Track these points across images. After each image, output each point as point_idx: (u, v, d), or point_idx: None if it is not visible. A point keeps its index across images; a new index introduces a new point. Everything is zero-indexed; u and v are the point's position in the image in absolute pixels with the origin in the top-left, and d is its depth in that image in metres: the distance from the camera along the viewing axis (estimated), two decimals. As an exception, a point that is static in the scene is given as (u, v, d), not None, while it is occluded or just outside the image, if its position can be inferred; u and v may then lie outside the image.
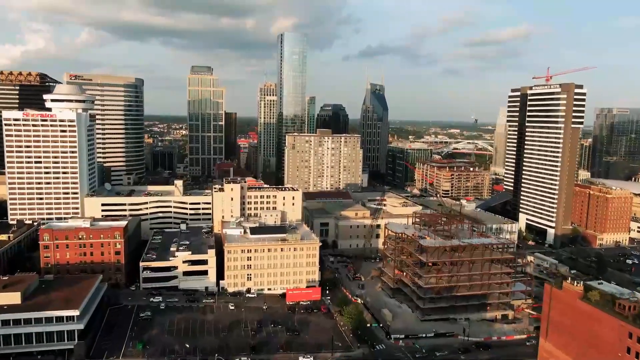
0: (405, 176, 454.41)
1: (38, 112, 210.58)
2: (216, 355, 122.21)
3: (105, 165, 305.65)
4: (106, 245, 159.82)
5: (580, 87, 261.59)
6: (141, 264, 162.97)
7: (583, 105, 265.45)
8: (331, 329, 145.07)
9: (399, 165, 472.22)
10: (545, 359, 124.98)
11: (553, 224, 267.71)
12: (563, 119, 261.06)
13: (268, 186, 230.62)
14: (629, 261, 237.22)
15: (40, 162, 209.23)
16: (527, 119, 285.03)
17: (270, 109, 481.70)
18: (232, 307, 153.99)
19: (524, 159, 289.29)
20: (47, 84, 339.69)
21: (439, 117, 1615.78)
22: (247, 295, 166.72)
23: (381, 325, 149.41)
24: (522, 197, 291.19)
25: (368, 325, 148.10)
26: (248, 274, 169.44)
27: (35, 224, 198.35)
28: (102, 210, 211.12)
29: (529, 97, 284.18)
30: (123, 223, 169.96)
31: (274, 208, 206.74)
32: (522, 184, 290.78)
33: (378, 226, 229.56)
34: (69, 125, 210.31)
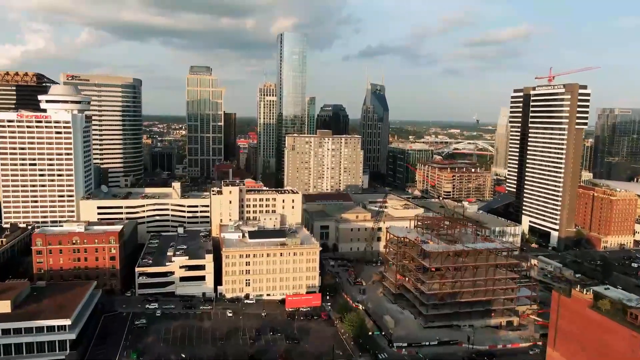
0: (406, 177, 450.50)
1: (32, 113, 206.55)
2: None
3: (102, 166, 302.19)
4: (101, 251, 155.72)
5: (585, 87, 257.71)
6: (137, 269, 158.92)
7: (587, 106, 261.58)
8: (332, 337, 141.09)
9: (399, 166, 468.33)
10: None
11: (557, 227, 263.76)
12: (567, 120, 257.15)
13: (267, 189, 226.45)
14: (635, 264, 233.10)
15: (35, 164, 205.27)
16: (530, 119, 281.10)
17: (270, 110, 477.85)
18: (230, 314, 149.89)
19: (527, 160, 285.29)
20: (44, 84, 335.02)
21: (439, 117, 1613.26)
22: (245, 301, 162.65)
23: (383, 333, 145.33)
24: (525, 199, 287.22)
25: (370, 333, 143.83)
26: (246, 280, 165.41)
27: (29, 227, 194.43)
28: (98, 214, 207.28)
29: (532, 98, 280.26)
30: (118, 227, 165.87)
31: (274, 211, 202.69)
32: (525, 186, 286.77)
33: (379, 229, 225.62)
34: (64, 127, 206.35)
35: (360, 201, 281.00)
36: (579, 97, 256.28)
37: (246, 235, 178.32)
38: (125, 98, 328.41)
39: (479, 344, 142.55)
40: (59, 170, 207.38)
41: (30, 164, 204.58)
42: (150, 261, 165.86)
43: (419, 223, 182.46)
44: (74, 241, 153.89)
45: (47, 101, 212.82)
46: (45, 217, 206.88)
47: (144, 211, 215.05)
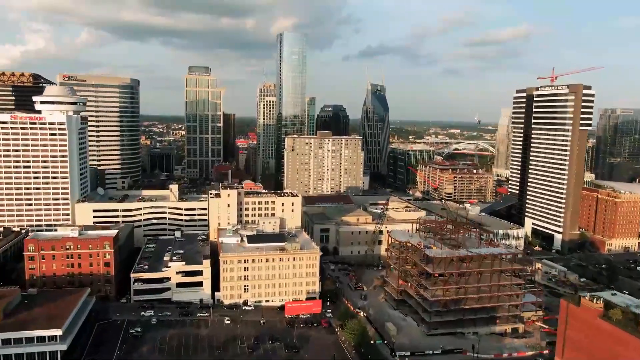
0: (407, 178, 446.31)
1: (27, 115, 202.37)
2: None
3: (99, 168, 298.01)
4: (95, 256, 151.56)
5: (589, 87, 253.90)
6: (132, 275, 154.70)
7: (591, 107, 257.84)
8: (333, 345, 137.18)
9: (400, 167, 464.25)
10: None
11: (560, 229, 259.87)
12: (571, 121, 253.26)
13: (266, 191, 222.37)
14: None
15: (29, 167, 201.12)
16: (534, 120, 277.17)
17: (270, 110, 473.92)
18: (228, 322, 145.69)
19: (530, 162, 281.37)
20: (40, 84, 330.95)
21: (439, 117, 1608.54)
22: (243, 307, 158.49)
23: (385, 341, 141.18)
24: (528, 200, 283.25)
25: (372, 341, 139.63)
26: (245, 285, 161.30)
27: (23, 231, 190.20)
28: (94, 217, 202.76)
29: (535, 99, 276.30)
30: (113, 232, 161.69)
31: (273, 214, 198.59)
32: (528, 188, 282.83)
33: (380, 232, 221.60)
34: (59, 128, 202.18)
35: (360, 203, 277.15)
36: (583, 98, 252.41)
37: (244, 239, 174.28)
38: (122, 99, 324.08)
39: (484, 353, 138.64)
40: (54, 172, 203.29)
41: (24, 167, 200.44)
42: (146, 266, 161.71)
43: (422, 227, 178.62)
44: (67, 246, 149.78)
45: (41, 102, 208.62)
46: (39, 220, 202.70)
47: (140, 214, 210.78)
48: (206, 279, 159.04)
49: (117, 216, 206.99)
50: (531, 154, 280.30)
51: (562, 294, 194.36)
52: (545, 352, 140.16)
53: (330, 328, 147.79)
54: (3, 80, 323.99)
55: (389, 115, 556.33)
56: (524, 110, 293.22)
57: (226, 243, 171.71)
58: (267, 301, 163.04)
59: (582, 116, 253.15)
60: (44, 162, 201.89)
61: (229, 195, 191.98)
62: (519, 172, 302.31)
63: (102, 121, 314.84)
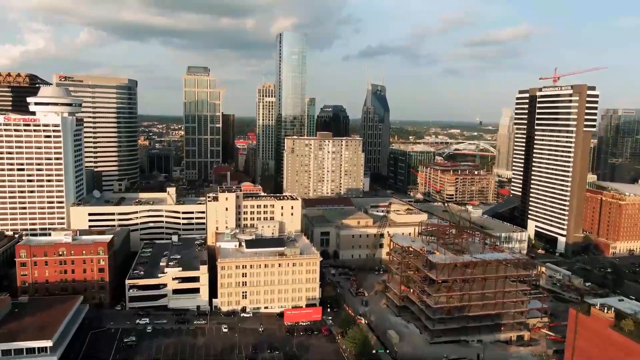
0: (408, 179, 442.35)
1: (20, 116, 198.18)
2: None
3: (96, 170, 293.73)
4: (89, 262, 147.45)
5: (593, 88, 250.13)
6: (127, 281, 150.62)
7: (595, 108, 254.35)
8: (333, 354, 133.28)
9: (400, 167, 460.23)
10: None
11: (564, 232, 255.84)
12: (575, 122, 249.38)
13: (265, 194, 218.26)
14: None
15: (23, 170, 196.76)
16: (537, 121, 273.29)
17: (269, 111, 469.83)
18: (226, 329, 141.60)
19: (533, 163, 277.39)
20: (37, 85, 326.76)
21: (439, 117, 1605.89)
22: (242, 314, 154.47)
23: (387, 350, 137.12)
24: (530, 203, 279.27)
25: (373, 350, 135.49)
26: (243, 292, 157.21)
27: (16, 236, 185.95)
28: (89, 220, 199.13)
29: (538, 99, 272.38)
30: (108, 237, 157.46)
31: (272, 218, 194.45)
32: (531, 190, 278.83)
33: (382, 235, 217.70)
34: (54, 130, 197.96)
35: (361, 205, 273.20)
36: (587, 99, 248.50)
37: (243, 244, 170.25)
38: (120, 99, 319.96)
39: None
40: (49, 175, 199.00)
41: (18, 169, 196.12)
42: (142, 272, 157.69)
43: (424, 230, 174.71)
44: (60, 252, 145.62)
45: (35, 103, 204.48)
46: (34, 224, 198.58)
47: (137, 218, 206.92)
48: (203, 285, 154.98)
49: (113, 220, 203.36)
50: (534, 155, 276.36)
51: (567, 299, 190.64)
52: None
53: (330, 336, 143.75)
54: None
55: (389, 115, 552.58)
56: (526, 111, 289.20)
57: (224, 248, 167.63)
58: (265, 308, 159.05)
59: (586, 117, 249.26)
60: (39, 164, 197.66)
61: (227, 198, 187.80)
62: (521, 173, 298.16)
63: (99, 122, 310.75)
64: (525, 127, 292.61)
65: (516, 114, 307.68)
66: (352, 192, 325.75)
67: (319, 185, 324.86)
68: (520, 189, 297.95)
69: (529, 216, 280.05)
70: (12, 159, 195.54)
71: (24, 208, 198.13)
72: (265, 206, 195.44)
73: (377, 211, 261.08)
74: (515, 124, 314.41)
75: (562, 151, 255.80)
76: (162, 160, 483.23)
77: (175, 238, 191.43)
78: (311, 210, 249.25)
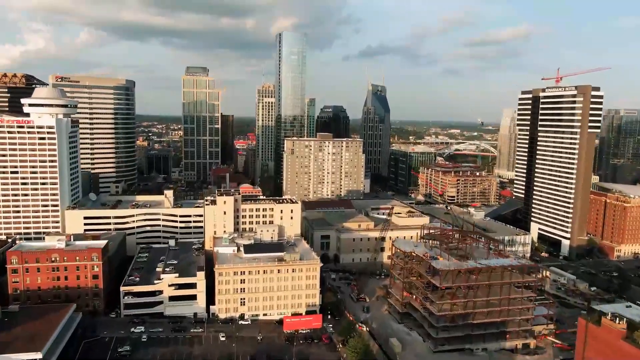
0: (409, 180, 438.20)
1: (14, 118, 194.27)
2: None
3: (93, 172, 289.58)
4: (82, 269, 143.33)
5: (597, 89, 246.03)
6: (122, 288, 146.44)
7: (600, 109, 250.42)
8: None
9: (401, 169, 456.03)
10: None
11: (568, 235, 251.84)
12: (579, 123, 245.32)
13: (264, 198, 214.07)
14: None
15: (16, 172, 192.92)
16: (540, 122, 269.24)
17: (269, 111, 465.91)
18: (223, 338, 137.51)
19: (536, 165, 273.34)
20: (33, 86, 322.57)
21: (439, 117, 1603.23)
22: (240, 322, 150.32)
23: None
24: (534, 205, 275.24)
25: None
26: (241, 299, 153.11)
27: (10, 240, 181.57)
28: (85, 224, 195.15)
29: (541, 100, 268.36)
30: (102, 243, 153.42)
31: (271, 222, 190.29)
32: (534, 192, 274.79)
33: (383, 239, 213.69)
34: (48, 132, 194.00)
35: (361, 207, 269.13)
36: (592, 100, 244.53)
37: (241, 249, 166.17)
38: (117, 100, 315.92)
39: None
40: (43, 178, 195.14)
41: (11, 172, 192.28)
42: (138, 278, 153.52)
43: (426, 234, 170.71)
44: (53, 259, 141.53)
45: (30, 105, 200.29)
46: (28, 228, 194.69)
47: (133, 221, 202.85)
48: (200, 292, 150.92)
49: (109, 223, 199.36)
50: (537, 157, 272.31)
51: (572, 304, 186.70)
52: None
53: (331, 344, 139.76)
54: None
55: (389, 116, 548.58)
56: (529, 111, 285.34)
57: (222, 253, 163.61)
58: (264, 315, 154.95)
59: (590, 118, 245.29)
60: (33, 167, 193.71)
61: (225, 202, 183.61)
62: (524, 175, 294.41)
63: (96, 123, 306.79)
64: (528, 128, 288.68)
65: (519, 114, 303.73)
66: (352, 193, 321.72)
67: (319, 187, 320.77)
68: (523, 191, 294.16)
69: (532, 219, 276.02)
70: (5, 161, 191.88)
71: (18, 212, 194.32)
72: (264, 210, 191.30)
73: (378, 214, 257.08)
74: (518, 125, 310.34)
75: (566, 152, 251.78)
76: (161, 161, 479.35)
77: (172, 242, 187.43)
78: (311, 213, 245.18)
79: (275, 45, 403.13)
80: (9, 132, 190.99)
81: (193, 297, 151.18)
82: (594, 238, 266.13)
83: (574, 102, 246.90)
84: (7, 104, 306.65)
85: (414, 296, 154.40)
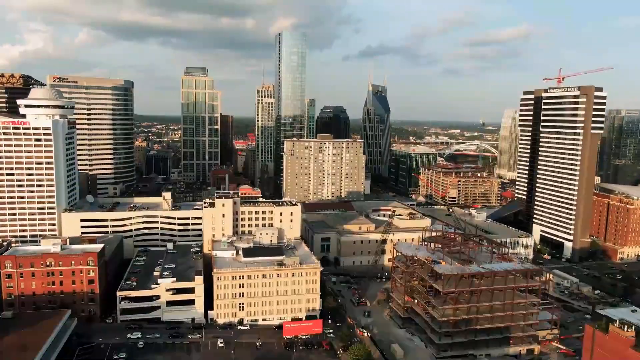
0: (409, 181, 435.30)
1: (9, 119, 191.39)
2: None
3: (91, 174, 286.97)
4: (78, 274, 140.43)
5: (600, 89, 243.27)
6: (118, 293, 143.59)
7: (603, 110, 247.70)
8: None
9: (402, 169, 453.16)
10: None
11: (571, 237, 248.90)
12: (582, 124, 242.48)
13: (264, 200, 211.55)
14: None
15: (12, 175, 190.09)
16: (542, 123, 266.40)
17: (268, 112, 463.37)
18: (222, 344, 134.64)
19: (539, 166, 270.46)
20: (31, 86, 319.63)
21: (439, 117, 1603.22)
22: (239, 327, 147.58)
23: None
24: (536, 206, 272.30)
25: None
26: (240, 303, 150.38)
27: (5, 243, 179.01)
28: (82, 227, 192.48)
29: (544, 101, 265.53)
30: (98, 247, 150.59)
31: (270, 225, 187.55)
32: (537, 193, 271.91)
33: (384, 241, 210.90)
34: (44, 134, 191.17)
35: (362, 209, 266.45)
36: (595, 100, 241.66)
37: (240, 252, 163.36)
38: (116, 101, 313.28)
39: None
40: (39, 180, 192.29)
41: (7, 174, 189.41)
42: (135, 283, 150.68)
43: (428, 237, 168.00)
44: (47, 263, 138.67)
45: (26, 106, 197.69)
46: (24, 231, 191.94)
47: (131, 224, 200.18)
48: (198, 296, 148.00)
49: (107, 226, 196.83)
50: (540, 158, 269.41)
51: (576, 308, 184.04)
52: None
53: (331, 351, 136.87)
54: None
55: (390, 116, 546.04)
56: (531, 112, 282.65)
57: (220, 257, 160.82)
58: (264, 320, 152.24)
59: (593, 119, 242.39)
60: (29, 169, 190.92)
61: (223, 205, 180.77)
62: (526, 176, 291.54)
63: (94, 124, 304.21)
64: (530, 129, 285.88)
65: (521, 115, 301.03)
66: (352, 195, 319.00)
67: (319, 189, 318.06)
68: (525, 192, 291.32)
69: (534, 220, 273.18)
70: (1, 163, 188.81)
71: (14, 214, 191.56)
72: (263, 212, 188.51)
73: (379, 215, 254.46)
74: (520, 125, 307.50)
75: (569, 154, 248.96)
76: (160, 162, 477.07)
77: (170, 245, 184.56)
78: (311, 215, 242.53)
79: (275, 45, 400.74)
80: (4, 134, 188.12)
81: (191, 302, 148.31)
82: (597, 240, 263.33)
83: (577, 102, 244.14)
84: (4, 105, 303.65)
85: (416, 301, 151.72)
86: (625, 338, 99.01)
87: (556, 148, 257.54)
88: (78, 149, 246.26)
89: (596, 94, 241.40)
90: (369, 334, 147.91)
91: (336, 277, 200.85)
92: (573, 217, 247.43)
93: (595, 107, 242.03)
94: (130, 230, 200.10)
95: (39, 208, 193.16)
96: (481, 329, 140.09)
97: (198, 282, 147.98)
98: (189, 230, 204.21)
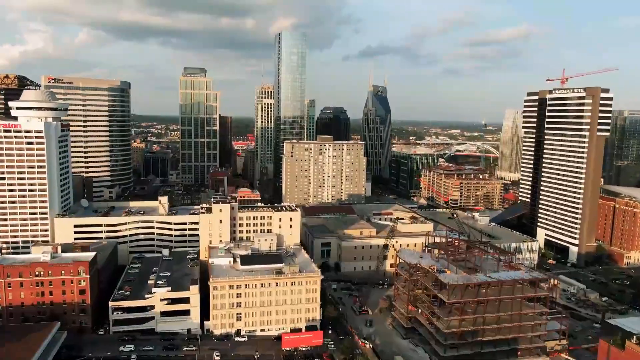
0: (410, 183, 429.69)
1: (0, 122, 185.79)
2: None
3: (86, 176, 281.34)
4: (68, 283, 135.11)
5: (606, 90, 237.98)
6: (111, 303, 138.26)
7: (609, 111, 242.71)
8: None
9: (403, 171, 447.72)
10: None
11: (576, 241, 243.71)
12: (588, 126, 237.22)
13: (262, 205, 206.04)
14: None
15: (3, 179, 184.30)
16: (547, 125, 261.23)
17: (268, 113, 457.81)
18: (218, 357, 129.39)
19: (543, 169, 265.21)
20: (26, 87, 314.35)
21: (439, 117, 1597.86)
22: (236, 338, 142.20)
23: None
24: (540, 210, 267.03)
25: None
26: (237, 314, 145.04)
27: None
28: (75, 233, 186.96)
29: (548, 102, 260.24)
30: (90, 255, 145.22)
31: (269, 230, 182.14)
32: (541, 196, 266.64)
33: (386, 246, 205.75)
34: (36, 136, 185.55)
35: (363, 212, 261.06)
36: (601, 102, 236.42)
37: (237, 260, 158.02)
38: (112, 102, 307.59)
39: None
40: (31, 184, 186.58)
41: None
42: (128, 292, 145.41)
43: (431, 243, 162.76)
44: (37, 273, 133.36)
45: (17, 108, 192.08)
46: (15, 237, 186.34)
47: (126, 229, 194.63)
48: (194, 306, 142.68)
49: (101, 232, 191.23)
50: (544, 160, 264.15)
51: (584, 316, 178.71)
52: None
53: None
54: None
55: (390, 117, 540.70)
56: (535, 113, 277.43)
57: (217, 265, 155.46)
58: (262, 331, 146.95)
59: (599, 121, 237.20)
60: (20, 173, 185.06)
61: (221, 210, 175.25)
62: (530, 179, 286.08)
63: (90, 126, 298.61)
64: (534, 130, 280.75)
65: (524, 116, 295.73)
66: (353, 197, 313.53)
67: (319, 191, 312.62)
68: (529, 195, 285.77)
69: (538, 224, 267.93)
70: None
71: (5, 220, 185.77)
72: (262, 218, 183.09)
73: (380, 219, 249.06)
74: (524, 127, 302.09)
75: (574, 156, 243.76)
76: (159, 163, 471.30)
77: (165, 252, 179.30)
78: (311, 219, 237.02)
79: (274, 45, 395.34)
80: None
81: (186, 312, 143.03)
82: (603, 244, 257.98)
83: (583, 104, 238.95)
84: (2, 106, 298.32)
85: (420, 310, 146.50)
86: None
87: (561, 150, 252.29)
88: (73, 151, 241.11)
89: (602, 95, 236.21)
90: (371, 346, 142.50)
91: (337, 284, 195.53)
92: (579, 221, 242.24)
93: (601, 108, 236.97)
94: (125, 236, 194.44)
95: (31, 213, 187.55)
96: (488, 340, 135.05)
97: (194, 292, 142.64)
98: (185, 235, 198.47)
